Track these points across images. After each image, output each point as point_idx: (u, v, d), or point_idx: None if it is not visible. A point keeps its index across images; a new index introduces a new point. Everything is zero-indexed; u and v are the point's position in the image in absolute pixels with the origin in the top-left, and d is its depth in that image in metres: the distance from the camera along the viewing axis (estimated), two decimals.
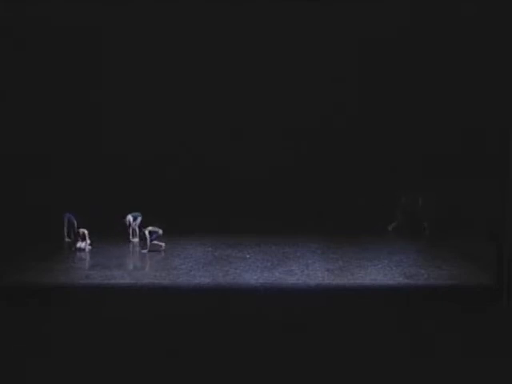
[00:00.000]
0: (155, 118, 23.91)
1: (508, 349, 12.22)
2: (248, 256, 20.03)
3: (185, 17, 20.61)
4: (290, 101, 23.89)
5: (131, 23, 21.06)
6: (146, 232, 20.55)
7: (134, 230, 21.89)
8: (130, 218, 21.75)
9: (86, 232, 20.70)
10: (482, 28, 18.25)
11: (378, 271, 18.24)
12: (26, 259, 18.87)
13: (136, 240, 21.90)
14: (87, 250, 20.68)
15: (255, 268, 18.60)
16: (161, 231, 20.51)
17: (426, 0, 16.58)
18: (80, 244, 20.65)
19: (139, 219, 21.82)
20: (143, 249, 20.56)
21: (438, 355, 11.89)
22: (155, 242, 20.42)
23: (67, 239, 21.62)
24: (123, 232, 21.74)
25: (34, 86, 22.15)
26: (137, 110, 23.79)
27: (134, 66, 23.19)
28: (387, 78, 23.40)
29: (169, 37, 22.22)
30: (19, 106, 21.43)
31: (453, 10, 18.75)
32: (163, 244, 20.49)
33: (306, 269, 18.52)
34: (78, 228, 21.01)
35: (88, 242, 20.72)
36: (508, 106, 15.20)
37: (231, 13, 20.35)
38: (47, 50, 21.74)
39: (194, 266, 18.82)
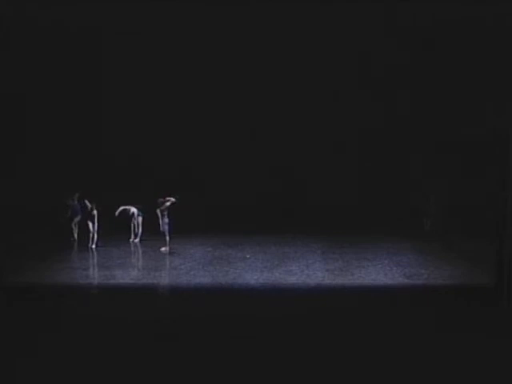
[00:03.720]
0: (156, 118, 23.95)
1: (508, 349, 12.21)
2: (248, 256, 20.04)
3: (185, 20, 20.56)
4: (291, 103, 23.93)
5: (131, 23, 21.02)
6: (158, 212, 20.43)
7: (135, 226, 21.90)
8: (134, 210, 21.70)
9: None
10: (482, 28, 18.25)
11: (378, 271, 18.24)
12: (26, 259, 18.88)
13: (137, 240, 21.92)
14: (94, 248, 20.78)
15: (255, 268, 18.60)
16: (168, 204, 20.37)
17: (426, 4, 16.59)
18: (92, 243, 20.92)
19: (140, 219, 21.83)
20: (162, 247, 20.52)
21: (438, 355, 11.88)
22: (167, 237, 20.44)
23: (72, 239, 21.66)
24: (123, 232, 21.77)
25: (34, 86, 22.16)
26: (137, 110, 23.83)
27: (133, 67, 23.22)
28: (388, 79, 23.44)
29: (169, 37, 22.22)
30: (19, 106, 21.41)
31: (453, 13, 18.74)
32: (168, 248, 20.48)
33: (306, 269, 18.52)
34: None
35: (95, 238, 20.85)
36: (508, 107, 15.18)
37: (230, 18, 20.27)
38: (47, 50, 21.75)
39: (194, 266, 18.82)
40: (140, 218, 21.83)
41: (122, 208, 21.44)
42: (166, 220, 20.20)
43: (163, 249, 20.44)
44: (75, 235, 21.68)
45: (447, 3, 15.98)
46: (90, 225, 20.97)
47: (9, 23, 16.24)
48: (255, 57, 23.18)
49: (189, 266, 18.82)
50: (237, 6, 17.41)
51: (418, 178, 23.59)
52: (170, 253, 20.33)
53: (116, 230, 21.77)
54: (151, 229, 21.07)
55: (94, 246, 20.95)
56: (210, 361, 11.59)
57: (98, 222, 20.89)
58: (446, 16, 17.73)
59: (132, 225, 21.88)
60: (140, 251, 21.20)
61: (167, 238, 20.34)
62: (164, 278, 18.07)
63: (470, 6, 15.69)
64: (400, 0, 16.56)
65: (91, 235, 21.00)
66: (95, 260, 19.94)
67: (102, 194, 21.34)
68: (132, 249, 21.49)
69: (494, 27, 15.64)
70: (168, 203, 20.19)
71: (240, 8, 17.54)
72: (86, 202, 20.96)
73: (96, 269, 19.12)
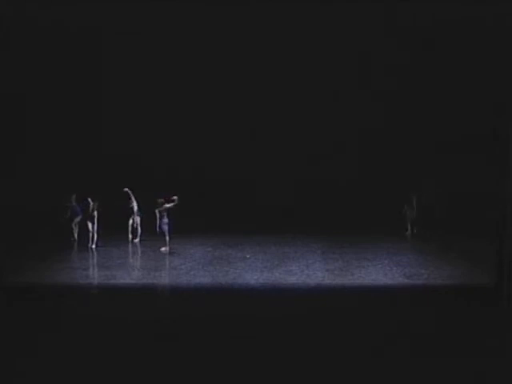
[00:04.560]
0: (156, 118, 23.95)
1: (508, 349, 12.21)
2: (248, 256, 20.04)
3: (185, 20, 20.56)
4: (291, 103, 23.94)
5: (131, 23, 21.03)
6: (157, 212, 20.38)
7: (133, 224, 21.86)
8: (135, 206, 21.62)
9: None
10: (482, 28, 18.26)
11: (378, 271, 18.24)
12: (26, 259, 18.88)
13: (137, 240, 21.92)
14: (94, 248, 20.79)
15: (255, 268, 18.60)
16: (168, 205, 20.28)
17: (426, 4, 16.62)
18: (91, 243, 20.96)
19: (138, 219, 21.81)
20: (162, 247, 20.47)
21: (438, 355, 11.89)
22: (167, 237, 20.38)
23: (72, 239, 21.65)
24: (123, 232, 21.77)
25: (34, 86, 22.16)
26: (137, 110, 23.83)
27: (133, 67, 23.24)
28: (388, 79, 23.46)
29: (169, 37, 22.22)
30: (19, 106, 21.39)
31: (453, 13, 18.76)
32: (167, 248, 20.43)
33: (306, 269, 18.52)
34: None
35: (95, 238, 20.85)
36: (508, 107, 15.18)
37: (230, 18, 20.28)
38: (47, 50, 21.75)
39: (194, 266, 18.82)
40: (138, 218, 21.80)
41: (130, 192, 21.39)
42: (166, 220, 20.17)
43: (163, 249, 20.44)
44: (75, 235, 21.68)
45: (447, 3, 15.98)
46: (90, 225, 20.99)
47: (9, 23, 16.23)
48: (255, 57, 23.20)
49: (189, 266, 18.82)
50: (237, 6, 17.42)
51: (412, 178, 23.54)
52: (170, 253, 20.33)
53: (116, 230, 21.77)
54: (151, 229, 21.05)
55: (93, 246, 20.96)
56: (210, 361, 11.59)
57: (97, 223, 20.90)
58: (446, 16, 17.74)
59: (130, 221, 21.82)
60: (140, 251, 21.20)
61: (167, 238, 20.32)
62: (164, 278, 18.07)
63: (470, 6, 15.68)
64: (400, 0, 16.56)
65: (91, 235, 21.02)
66: (95, 260, 19.95)
67: (102, 194, 21.34)
68: (132, 249, 21.49)
69: (494, 27, 15.63)
70: (168, 205, 20.12)
71: (240, 8, 17.55)
72: (89, 200, 20.93)
73: (96, 269, 19.12)
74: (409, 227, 22.88)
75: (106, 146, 23.83)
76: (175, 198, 20.07)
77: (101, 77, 23.48)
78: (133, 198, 21.54)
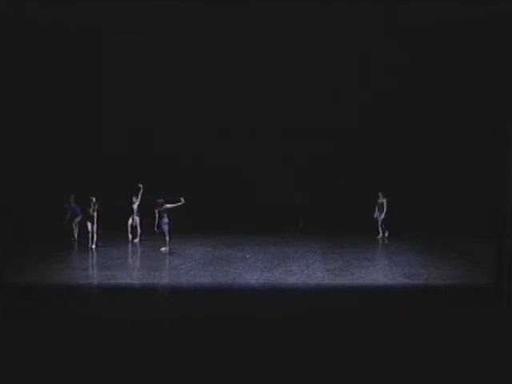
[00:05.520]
0: (155, 118, 23.95)
1: (508, 349, 12.21)
2: (248, 256, 20.04)
3: (185, 20, 20.56)
4: (291, 103, 23.93)
5: (131, 23, 21.04)
6: (156, 212, 20.36)
7: (133, 223, 21.86)
8: (136, 206, 21.64)
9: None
10: (482, 28, 18.27)
11: (378, 271, 18.25)
12: (26, 259, 18.87)
13: (136, 240, 21.93)
14: (94, 248, 20.78)
15: (255, 268, 18.60)
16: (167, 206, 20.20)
17: (426, 4, 16.62)
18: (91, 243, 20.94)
19: (138, 219, 21.82)
20: (162, 247, 20.44)
21: (438, 355, 11.88)
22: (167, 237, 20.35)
23: (72, 239, 21.65)
24: (123, 232, 21.78)
25: (34, 86, 22.15)
26: (137, 110, 23.84)
27: (133, 67, 23.24)
28: (388, 79, 23.47)
29: (169, 37, 22.22)
30: (19, 106, 21.39)
31: (453, 13, 18.77)
32: (167, 248, 20.42)
33: (306, 269, 18.52)
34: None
35: (95, 239, 20.82)
36: (508, 107, 15.18)
37: (230, 18, 20.28)
38: (47, 50, 21.74)
39: (194, 266, 18.82)
40: (138, 218, 21.81)
41: (141, 188, 21.35)
42: (166, 220, 20.15)
43: (163, 249, 20.43)
44: (75, 235, 21.69)
45: (447, 3, 15.98)
46: (89, 225, 20.98)
47: (9, 23, 16.23)
48: (255, 57, 23.20)
49: (189, 266, 18.82)
50: (237, 6, 17.41)
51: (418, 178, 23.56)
52: (170, 253, 20.33)
53: (116, 230, 21.77)
54: (151, 229, 21.05)
55: (93, 246, 20.96)
56: (210, 361, 11.59)
57: (97, 223, 20.89)
58: (445, 16, 17.75)
59: (129, 221, 21.83)
60: (140, 251, 21.21)
61: (167, 238, 20.31)
62: (164, 278, 18.07)
63: (470, 6, 15.69)
64: (400, 0, 16.56)
65: (90, 235, 21.01)
66: (95, 260, 19.95)
67: (102, 194, 21.35)
68: (132, 249, 21.50)
69: (494, 27, 15.64)
70: (169, 205, 20.07)
71: (240, 8, 17.55)
72: (92, 198, 20.88)
73: (96, 269, 19.12)
74: (380, 230, 22.71)
75: (106, 146, 23.83)
76: (182, 199, 19.94)
77: (101, 77, 23.48)
78: (139, 196, 21.56)
